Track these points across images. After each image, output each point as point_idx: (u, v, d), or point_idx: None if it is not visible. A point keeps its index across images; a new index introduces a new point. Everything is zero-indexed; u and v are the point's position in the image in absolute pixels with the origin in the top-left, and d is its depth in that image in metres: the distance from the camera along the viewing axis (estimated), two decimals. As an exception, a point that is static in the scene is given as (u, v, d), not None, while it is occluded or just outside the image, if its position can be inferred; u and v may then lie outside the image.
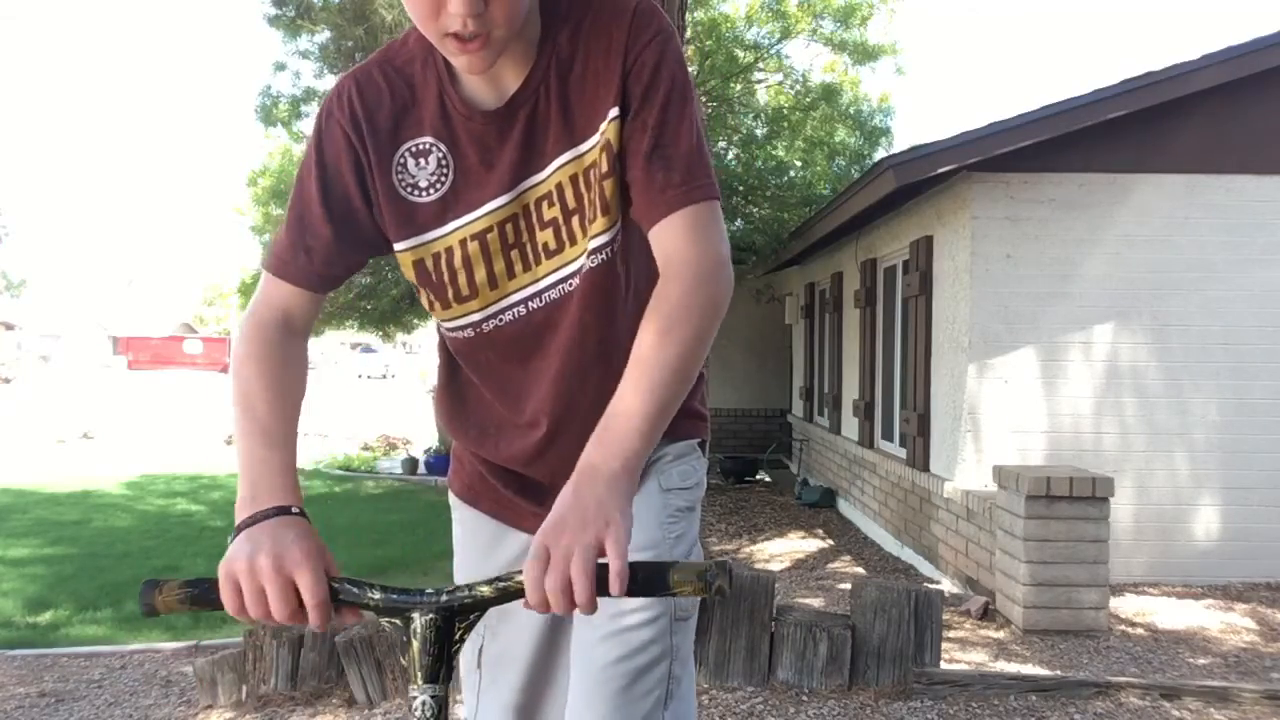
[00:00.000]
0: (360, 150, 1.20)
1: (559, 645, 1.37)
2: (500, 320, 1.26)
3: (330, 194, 1.20)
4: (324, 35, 9.25)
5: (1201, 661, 4.21)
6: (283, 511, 1.01)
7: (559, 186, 1.20)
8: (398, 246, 1.23)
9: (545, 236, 1.22)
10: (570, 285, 1.23)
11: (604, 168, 1.17)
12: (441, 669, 0.94)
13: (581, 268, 1.22)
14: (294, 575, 0.94)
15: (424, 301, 1.28)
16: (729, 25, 10.71)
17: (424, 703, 0.93)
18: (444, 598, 0.94)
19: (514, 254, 1.23)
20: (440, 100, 1.19)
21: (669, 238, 1.12)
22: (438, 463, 10.78)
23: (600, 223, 1.19)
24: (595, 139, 1.17)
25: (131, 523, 7.94)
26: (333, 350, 49.00)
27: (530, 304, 1.25)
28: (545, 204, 1.21)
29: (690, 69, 1.29)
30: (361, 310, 11.22)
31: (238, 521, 1.01)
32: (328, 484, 10.32)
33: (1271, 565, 5.55)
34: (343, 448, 13.16)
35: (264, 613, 0.94)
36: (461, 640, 0.96)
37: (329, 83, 9.99)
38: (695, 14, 10.28)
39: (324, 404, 22.49)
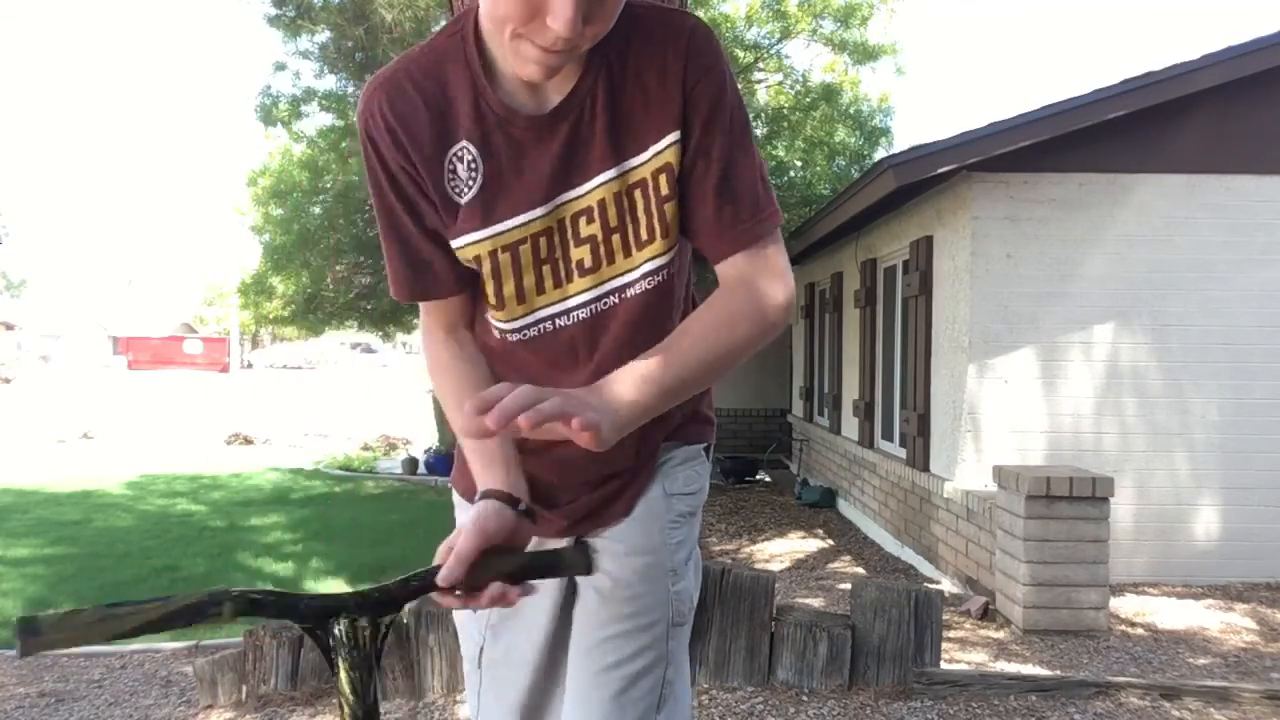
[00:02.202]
0: (413, 171, 1.17)
1: (563, 647, 1.36)
2: (524, 334, 1.23)
3: (424, 222, 1.20)
4: (324, 35, 9.26)
5: (1201, 661, 4.21)
6: (481, 498, 1.15)
7: (601, 203, 1.17)
8: None
9: (580, 253, 1.19)
10: (606, 304, 1.20)
11: (665, 190, 1.15)
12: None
13: (628, 284, 1.19)
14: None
15: None
16: (729, 25, 10.71)
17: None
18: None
19: (545, 269, 1.19)
20: (475, 100, 1.15)
21: (739, 268, 1.15)
22: (438, 463, 10.77)
23: (659, 245, 1.18)
24: (645, 158, 1.15)
25: (132, 523, 7.94)
26: (332, 350, 48.96)
27: (558, 320, 1.22)
28: (584, 220, 1.17)
29: None
30: (361, 310, 11.24)
31: None
32: (328, 484, 10.31)
33: (1271, 565, 5.55)
34: (343, 448, 13.16)
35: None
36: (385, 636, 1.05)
37: (329, 83, 9.99)
38: (695, 14, 10.27)
39: (324, 404, 22.50)
